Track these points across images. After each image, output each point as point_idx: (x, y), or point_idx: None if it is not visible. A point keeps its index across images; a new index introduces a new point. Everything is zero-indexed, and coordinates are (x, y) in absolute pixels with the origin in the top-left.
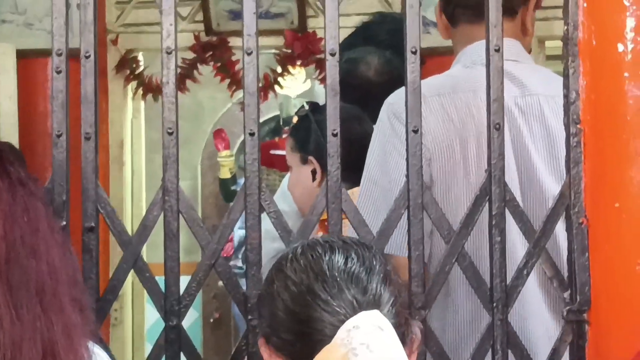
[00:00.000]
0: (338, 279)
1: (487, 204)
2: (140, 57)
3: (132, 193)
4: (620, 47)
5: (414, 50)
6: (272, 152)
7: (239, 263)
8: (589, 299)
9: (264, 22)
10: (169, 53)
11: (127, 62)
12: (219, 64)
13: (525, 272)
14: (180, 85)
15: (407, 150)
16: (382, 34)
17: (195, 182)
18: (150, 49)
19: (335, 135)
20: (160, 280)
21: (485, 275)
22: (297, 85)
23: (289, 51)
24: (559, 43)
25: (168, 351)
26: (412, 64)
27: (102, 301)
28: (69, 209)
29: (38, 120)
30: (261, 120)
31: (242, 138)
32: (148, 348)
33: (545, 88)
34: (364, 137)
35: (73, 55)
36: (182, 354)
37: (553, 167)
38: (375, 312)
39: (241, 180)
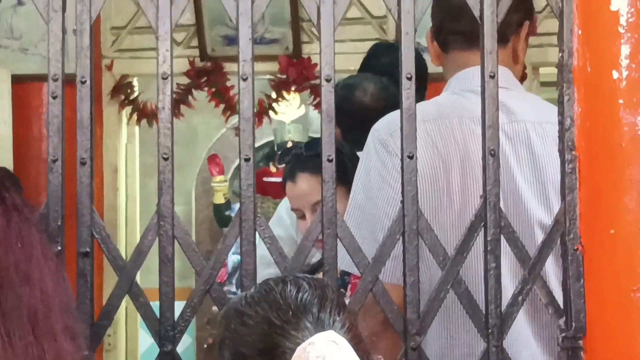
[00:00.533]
0: (292, 307)
1: (482, 230)
2: (135, 82)
3: (126, 218)
4: (615, 74)
5: (409, 76)
6: (265, 179)
7: (233, 288)
8: (584, 325)
9: (258, 47)
10: (165, 78)
11: (121, 88)
12: (213, 90)
13: (520, 298)
14: (175, 111)
15: (402, 176)
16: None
17: (189, 207)
18: (145, 75)
19: (330, 161)
20: (154, 305)
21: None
22: (291, 111)
23: (284, 77)
24: (553, 70)
25: None
26: (408, 90)
27: (96, 326)
28: (64, 234)
29: (33, 144)
30: (255, 145)
31: (236, 163)
32: None
33: (534, 115)
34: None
35: (68, 81)
36: None
37: (539, 192)
38: (330, 331)
39: (235, 206)
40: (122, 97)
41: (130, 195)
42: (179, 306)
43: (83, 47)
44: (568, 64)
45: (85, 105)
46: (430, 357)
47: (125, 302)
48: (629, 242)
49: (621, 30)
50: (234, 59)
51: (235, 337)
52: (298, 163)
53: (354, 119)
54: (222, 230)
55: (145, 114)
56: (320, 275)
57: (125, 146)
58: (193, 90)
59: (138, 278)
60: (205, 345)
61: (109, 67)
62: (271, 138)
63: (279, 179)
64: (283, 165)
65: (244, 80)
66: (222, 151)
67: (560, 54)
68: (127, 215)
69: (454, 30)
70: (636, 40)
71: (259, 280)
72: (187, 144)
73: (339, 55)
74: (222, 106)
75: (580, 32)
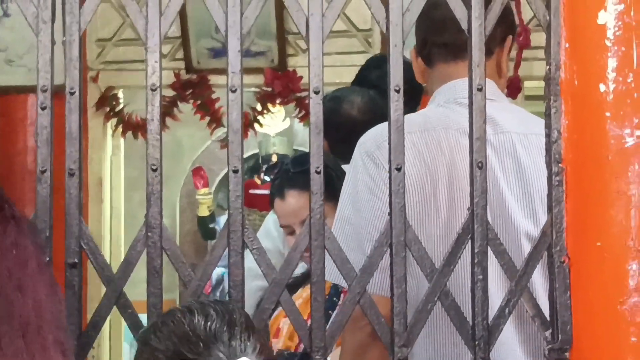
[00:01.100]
0: (202, 338)
1: (469, 242)
2: (120, 94)
3: (110, 230)
4: (602, 87)
5: (397, 89)
6: (251, 191)
7: None
8: (571, 337)
9: (244, 60)
10: (153, 90)
11: (107, 100)
12: (199, 102)
13: (507, 310)
14: None
15: (390, 188)
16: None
17: (173, 220)
18: (130, 86)
19: (318, 172)
20: (142, 317)
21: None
22: (276, 124)
23: (269, 89)
24: (538, 83)
25: None
26: (396, 102)
27: (84, 337)
28: (52, 245)
29: (17, 156)
30: None
31: (220, 176)
32: None
33: (519, 126)
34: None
35: (55, 92)
36: None
37: (526, 204)
38: (243, 358)
39: (220, 218)
40: (108, 109)
41: (115, 208)
42: None
43: (72, 58)
44: (555, 77)
45: (74, 117)
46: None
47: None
48: (615, 254)
49: (608, 43)
50: (220, 71)
51: None
52: (286, 180)
53: (341, 132)
54: (207, 242)
55: (130, 126)
56: (307, 286)
57: (110, 158)
58: (178, 102)
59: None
60: None
61: (95, 79)
62: (256, 150)
63: (265, 192)
64: (268, 178)
65: (233, 92)
66: (207, 164)
67: (548, 67)
68: (112, 227)
69: (439, 42)
70: (623, 54)
71: (246, 292)
72: (172, 156)
73: (325, 68)
74: (207, 118)
75: (567, 45)
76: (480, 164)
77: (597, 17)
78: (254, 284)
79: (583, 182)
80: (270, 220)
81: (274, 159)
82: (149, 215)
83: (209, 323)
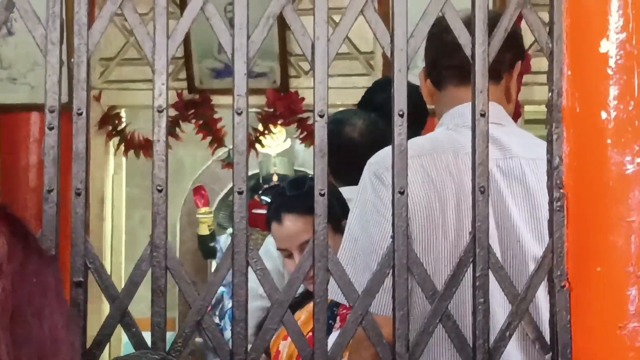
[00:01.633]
0: None
1: (470, 266)
2: (122, 113)
3: (111, 247)
4: (604, 115)
5: (401, 113)
6: (254, 211)
7: (216, 320)
8: (570, 359)
9: None
10: (160, 112)
11: (109, 118)
12: (201, 122)
13: (507, 333)
14: None
15: (392, 211)
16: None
17: (174, 238)
18: (133, 106)
19: (322, 195)
20: (145, 334)
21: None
22: (277, 144)
23: (271, 110)
24: (538, 107)
25: None
26: (399, 126)
27: (88, 355)
28: (57, 265)
29: (20, 174)
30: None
31: (221, 195)
32: None
33: (527, 151)
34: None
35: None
36: None
37: (534, 227)
38: None
39: (220, 237)
40: (110, 127)
41: (116, 225)
42: (168, 336)
43: (80, 79)
44: (557, 103)
45: (81, 137)
46: None
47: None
48: (615, 279)
49: (610, 72)
50: (223, 91)
51: None
52: (282, 203)
53: (342, 154)
54: (207, 261)
55: (132, 145)
56: (305, 307)
57: (112, 177)
58: (180, 122)
59: None
60: None
61: (97, 98)
62: (257, 170)
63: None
64: (267, 199)
65: (239, 114)
66: (208, 183)
67: (550, 94)
68: (113, 244)
69: (449, 65)
70: (624, 82)
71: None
72: (173, 175)
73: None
74: (209, 138)
75: (569, 72)
76: (482, 189)
77: (600, 46)
78: (255, 304)
79: (584, 208)
80: (270, 241)
81: (275, 179)
82: (155, 235)
83: None
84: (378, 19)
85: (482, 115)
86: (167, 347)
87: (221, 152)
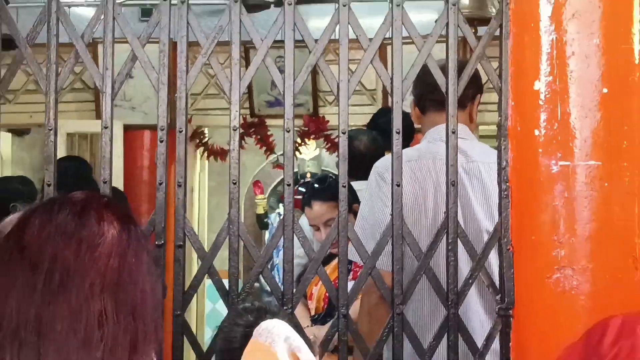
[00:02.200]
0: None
1: (445, 235)
2: (206, 131)
3: (198, 224)
4: (537, 132)
5: (398, 131)
6: (295, 197)
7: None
8: (513, 300)
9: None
10: (234, 130)
11: (197, 134)
12: (258, 137)
13: (470, 281)
14: None
15: (392, 198)
16: (382, 120)
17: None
18: (213, 126)
19: (344, 187)
20: (224, 281)
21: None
22: (310, 152)
23: (306, 129)
24: (489, 127)
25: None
26: (397, 140)
27: (187, 295)
28: (166, 233)
29: (137, 172)
30: (280, 177)
31: (271, 187)
32: (207, 330)
33: (483, 157)
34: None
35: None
36: None
37: (487, 210)
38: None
39: (270, 215)
40: (197, 141)
41: (201, 208)
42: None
43: (181, 108)
44: (504, 124)
45: (181, 147)
46: (409, 319)
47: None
48: (545, 245)
49: (541, 102)
50: (273, 116)
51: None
52: (312, 193)
53: (352, 159)
54: (262, 232)
55: (212, 152)
56: (328, 265)
57: (199, 174)
58: (245, 137)
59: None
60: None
61: (190, 121)
62: (296, 170)
63: None
64: (303, 189)
65: (288, 132)
66: (263, 178)
67: (499, 118)
68: (199, 221)
69: (430, 98)
70: (551, 110)
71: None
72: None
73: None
74: (264, 148)
75: (512, 103)
76: (453, 183)
77: (534, 85)
78: (295, 261)
79: (523, 196)
80: (303, 219)
81: (308, 176)
82: (231, 214)
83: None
84: (382, 67)
85: (453, 132)
86: (239, 289)
87: (272, 157)
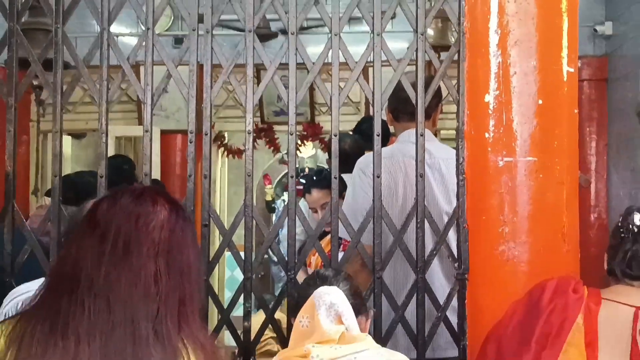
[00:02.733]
0: (317, 281)
1: (414, 217)
2: (225, 135)
3: (219, 208)
4: (487, 135)
5: (378, 134)
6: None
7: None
8: (468, 267)
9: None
10: (249, 134)
11: (219, 137)
12: (267, 139)
13: (434, 252)
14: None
15: (373, 187)
16: (364, 126)
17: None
18: (230, 131)
19: (336, 178)
20: (241, 253)
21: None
22: (308, 151)
23: (305, 133)
24: (448, 131)
25: (245, 295)
26: (377, 141)
27: (211, 264)
28: (195, 215)
29: (171, 167)
30: (284, 171)
31: (277, 179)
32: (227, 293)
33: (443, 154)
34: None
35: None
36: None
37: (446, 196)
38: (332, 287)
39: (277, 201)
40: (219, 142)
41: (222, 195)
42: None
43: (206, 116)
44: (462, 129)
45: (206, 147)
46: (386, 282)
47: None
48: (493, 224)
49: (490, 112)
50: (279, 123)
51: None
52: (311, 183)
53: (340, 157)
54: (270, 215)
55: (231, 151)
56: (322, 240)
57: (220, 169)
58: (257, 139)
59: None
60: (259, 276)
61: (212, 126)
62: (297, 165)
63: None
64: (303, 180)
65: (291, 135)
66: (271, 172)
67: (457, 124)
68: (220, 206)
69: (403, 110)
70: (497, 117)
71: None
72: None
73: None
74: (272, 148)
75: (467, 112)
76: (421, 175)
77: (484, 98)
78: (296, 237)
79: (476, 185)
80: (302, 202)
81: (307, 170)
82: (246, 199)
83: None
84: (365, 84)
85: (422, 135)
86: (253, 259)
87: (278, 155)
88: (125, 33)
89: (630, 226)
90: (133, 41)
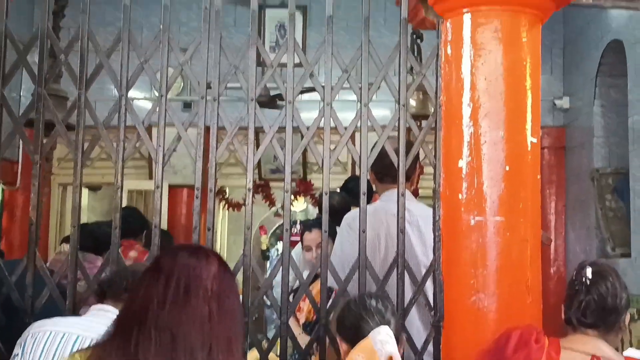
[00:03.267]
0: (372, 311)
1: (395, 269)
2: (226, 190)
3: None
4: (460, 196)
5: (364, 193)
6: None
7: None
8: (443, 315)
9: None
10: (249, 190)
11: (220, 192)
12: (264, 194)
13: (413, 301)
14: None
15: (359, 241)
16: (351, 185)
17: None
18: (231, 186)
19: (326, 232)
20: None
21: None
22: (299, 206)
23: (298, 189)
24: (425, 191)
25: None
26: (363, 199)
27: None
28: None
29: (177, 219)
30: (278, 223)
31: (272, 230)
32: None
33: (421, 212)
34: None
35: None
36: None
37: (423, 251)
38: (387, 327)
39: (271, 250)
40: (220, 196)
41: (222, 244)
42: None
43: (211, 175)
44: (438, 190)
45: (211, 202)
46: None
47: None
48: (465, 276)
49: (463, 175)
50: (275, 180)
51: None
52: (312, 224)
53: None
54: (265, 262)
55: (230, 205)
56: (316, 284)
57: (220, 220)
58: (255, 194)
59: None
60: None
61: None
62: None
63: (295, 239)
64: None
65: (286, 192)
66: (266, 224)
67: (434, 185)
68: (220, 253)
69: (385, 173)
70: (470, 181)
71: (284, 287)
72: None
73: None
74: (267, 202)
75: (443, 175)
76: (402, 230)
77: (458, 163)
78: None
79: (450, 240)
80: (294, 253)
81: (298, 222)
82: (245, 249)
83: (377, 305)
84: (353, 147)
85: (402, 195)
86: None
87: (273, 209)
88: (140, 97)
89: (584, 279)
90: (146, 104)
